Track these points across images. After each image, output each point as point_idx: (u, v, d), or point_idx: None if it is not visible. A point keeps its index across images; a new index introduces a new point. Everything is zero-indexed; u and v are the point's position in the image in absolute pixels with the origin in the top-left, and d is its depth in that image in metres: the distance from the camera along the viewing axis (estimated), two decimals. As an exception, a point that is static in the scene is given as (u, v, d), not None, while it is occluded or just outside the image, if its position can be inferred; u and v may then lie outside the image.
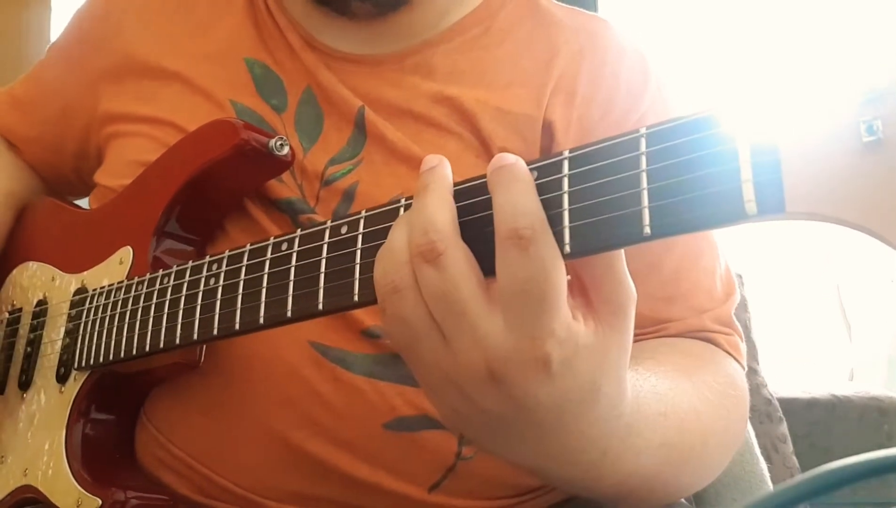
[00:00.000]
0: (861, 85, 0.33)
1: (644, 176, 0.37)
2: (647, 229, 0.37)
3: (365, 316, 0.60)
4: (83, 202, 0.80)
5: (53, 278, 0.73)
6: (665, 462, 0.51)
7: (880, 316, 2.20)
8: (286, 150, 0.63)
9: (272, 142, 0.62)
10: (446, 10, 0.69)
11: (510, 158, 0.39)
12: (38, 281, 0.75)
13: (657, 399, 0.50)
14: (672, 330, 0.64)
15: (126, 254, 0.66)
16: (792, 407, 1.74)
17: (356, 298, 0.46)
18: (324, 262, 0.48)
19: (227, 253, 0.56)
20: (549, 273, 0.37)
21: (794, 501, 0.29)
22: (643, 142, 0.37)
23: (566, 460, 0.44)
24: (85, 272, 0.69)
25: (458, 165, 0.63)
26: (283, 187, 0.64)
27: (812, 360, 2.28)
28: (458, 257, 0.39)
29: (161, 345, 0.58)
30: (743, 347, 0.65)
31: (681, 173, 0.36)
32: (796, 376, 2.08)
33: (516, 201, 0.38)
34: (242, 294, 0.53)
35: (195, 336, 0.56)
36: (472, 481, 0.60)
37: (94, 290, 0.66)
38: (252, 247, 0.54)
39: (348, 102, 0.65)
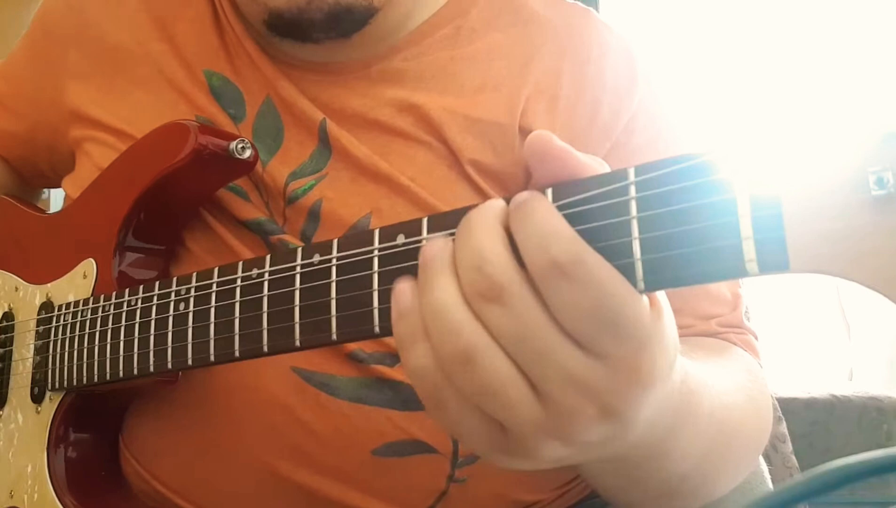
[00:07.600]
0: (871, 131, 0.30)
1: (635, 224, 0.34)
2: (641, 284, 0.34)
3: None
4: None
5: (17, 289, 0.70)
6: (715, 437, 0.48)
7: (880, 316, 2.16)
8: (248, 153, 0.59)
9: (233, 145, 0.58)
10: (410, 12, 0.64)
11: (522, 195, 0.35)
12: (1, 291, 0.72)
13: (702, 369, 0.47)
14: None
15: (90, 267, 0.63)
16: (791, 407, 1.72)
17: (334, 336, 0.44)
18: (297, 294, 0.46)
19: (194, 275, 0.53)
20: (608, 289, 0.33)
21: (794, 501, 0.29)
22: (632, 187, 0.35)
23: (639, 441, 0.40)
24: (49, 285, 0.66)
25: (431, 177, 0.60)
26: (251, 208, 0.60)
27: (811, 360, 2.26)
28: (525, 288, 0.33)
29: (135, 372, 0.56)
30: (758, 346, 0.62)
31: (675, 224, 0.33)
32: (796, 375, 2.06)
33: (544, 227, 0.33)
34: (215, 324, 0.51)
35: (169, 365, 0.54)
36: (465, 503, 0.58)
37: (61, 307, 0.63)
38: (220, 271, 0.51)
39: (309, 115, 0.61)
